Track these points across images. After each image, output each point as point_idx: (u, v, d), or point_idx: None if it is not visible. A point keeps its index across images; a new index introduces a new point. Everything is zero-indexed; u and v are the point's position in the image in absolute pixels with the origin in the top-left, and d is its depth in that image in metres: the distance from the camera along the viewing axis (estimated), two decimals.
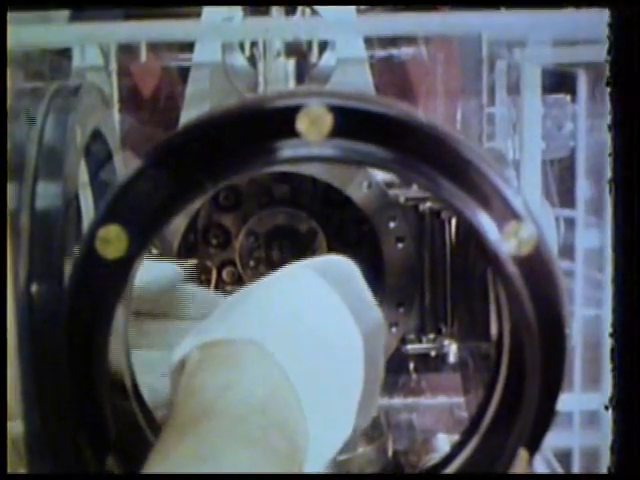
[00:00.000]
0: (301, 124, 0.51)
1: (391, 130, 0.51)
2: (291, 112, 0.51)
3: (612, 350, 0.61)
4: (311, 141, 0.51)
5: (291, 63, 1.06)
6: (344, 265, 0.66)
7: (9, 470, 0.58)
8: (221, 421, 0.49)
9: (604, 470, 0.64)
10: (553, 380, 0.55)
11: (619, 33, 0.60)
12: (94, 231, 0.52)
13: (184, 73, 1.21)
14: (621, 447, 0.60)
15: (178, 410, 0.52)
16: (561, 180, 1.04)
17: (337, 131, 0.51)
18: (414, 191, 0.99)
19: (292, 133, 0.51)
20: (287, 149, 0.51)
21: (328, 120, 0.51)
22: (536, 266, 0.52)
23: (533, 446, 0.57)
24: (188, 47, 1.22)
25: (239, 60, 1.10)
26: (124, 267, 0.53)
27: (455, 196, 0.52)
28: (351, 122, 0.51)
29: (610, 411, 0.61)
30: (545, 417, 0.56)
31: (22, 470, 0.59)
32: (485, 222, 0.52)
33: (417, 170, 0.51)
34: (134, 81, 1.33)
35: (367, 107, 0.51)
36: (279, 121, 0.51)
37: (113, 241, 0.52)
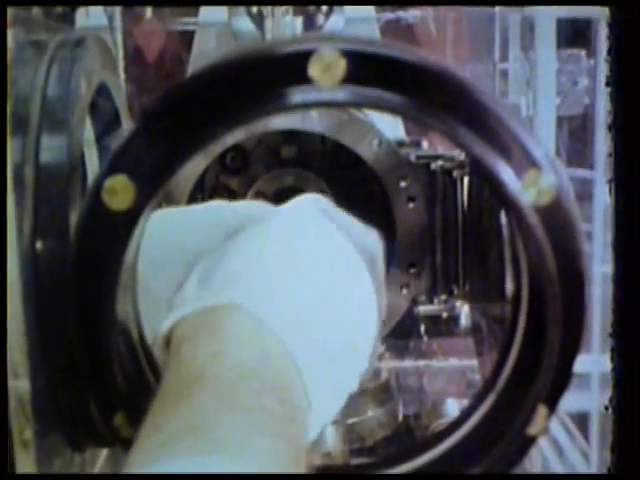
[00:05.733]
0: (314, 70, 0.49)
1: (407, 76, 0.50)
2: (303, 57, 0.49)
3: (612, 350, 0.60)
4: (324, 87, 0.49)
5: (298, 21, 1.05)
6: (324, 201, 0.64)
7: (15, 432, 0.57)
8: (213, 389, 0.47)
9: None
10: (574, 333, 0.53)
11: (619, 33, 0.59)
12: (101, 182, 0.51)
13: (188, 37, 1.20)
14: (621, 447, 0.59)
15: (167, 382, 0.50)
16: (571, 139, 1.03)
17: (351, 77, 0.49)
18: (425, 149, 0.98)
19: (304, 79, 0.49)
20: (299, 95, 0.49)
21: (341, 65, 0.49)
22: (556, 216, 0.51)
23: (552, 402, 0.56)
24: (192, 10, 1.20)
25: (245, 24, 1.08)
26: (131, 219, 0.51)
27: (473, 143, 0.50)
28: (365, 67, 0.49)
29: (610, 411, 0.60)
30: (565, 372, 0.55)
31: (29, 432, 0.58)
32: (504, 171, 0.50)
33: (434, 117, 0.50)
34: (138, 44, 1.32)
35: (382, 52, 0.50)
36: (291, 67, 0.49)
37: (120, 192, 0.50)
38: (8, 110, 0.55)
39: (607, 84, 0.61)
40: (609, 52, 0.60)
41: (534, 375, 0.55)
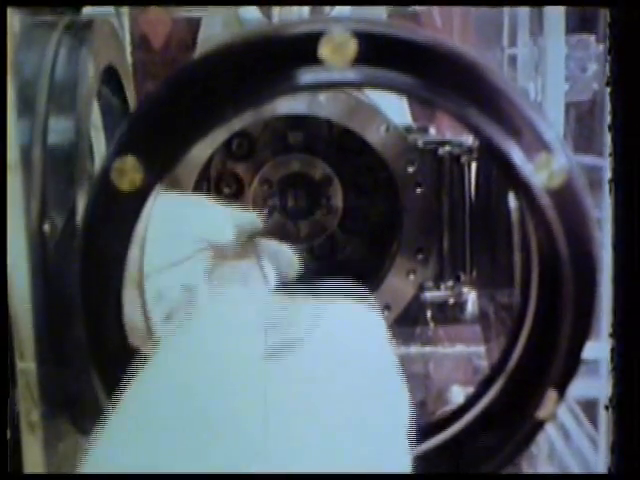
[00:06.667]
0: (324, 50, 0.49)
1: (418, 56, 0.49)
2: (314, 38, 0.49)
3: (612, 350, 0.60)
4: (334, 68, 0.49)
5: (305, 9, 1.05)
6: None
7: (22, 414, 0.57)
8: None
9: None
10: (585, 315, 0.53)
11: (619, 33, 0.59)
12: (109, 162, 0.50)
13: (194, 23, 1.20)
14: (621, 447, 0.59)
15: None
16: (578, 126, 1.02)
17: (361, 57, 0.49)
18: (433, 135, 0.98)
19: (315, 60, 0.49)
20: (310, 76, 0.49)
21: (352, 46, 0.49)
22: (568, 199, 0.51)
23: (562, 387, 0.56)
24: None
25: (252, 11, 1.08)
26: (139, 199, 0.51)
27: (484, 125, 0.50)
28: (376, 48, 0.49)
29: (610, 411, 0.60)
30: (576, 356, 0.54)
31: (36, 414, 0.57)
32: (515, 153, 0.50)
33: (445, 98, 0.50)
34: (144, 30, 1.31)
35: (392, 32, 0.49)
36: (301, 48, 0.49)
37: (129, 172, 0.50)
38: (14, 94, 0.55)
39: (607, 84, 0.61)
40: (609, 52, 0.60)
41: (544, 359, 0.55)
